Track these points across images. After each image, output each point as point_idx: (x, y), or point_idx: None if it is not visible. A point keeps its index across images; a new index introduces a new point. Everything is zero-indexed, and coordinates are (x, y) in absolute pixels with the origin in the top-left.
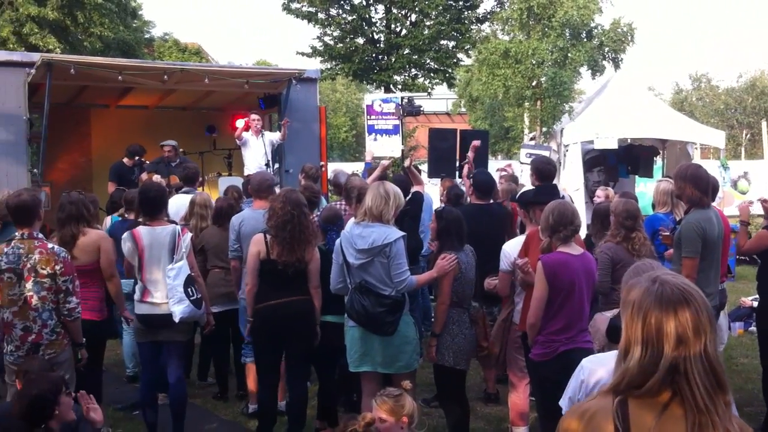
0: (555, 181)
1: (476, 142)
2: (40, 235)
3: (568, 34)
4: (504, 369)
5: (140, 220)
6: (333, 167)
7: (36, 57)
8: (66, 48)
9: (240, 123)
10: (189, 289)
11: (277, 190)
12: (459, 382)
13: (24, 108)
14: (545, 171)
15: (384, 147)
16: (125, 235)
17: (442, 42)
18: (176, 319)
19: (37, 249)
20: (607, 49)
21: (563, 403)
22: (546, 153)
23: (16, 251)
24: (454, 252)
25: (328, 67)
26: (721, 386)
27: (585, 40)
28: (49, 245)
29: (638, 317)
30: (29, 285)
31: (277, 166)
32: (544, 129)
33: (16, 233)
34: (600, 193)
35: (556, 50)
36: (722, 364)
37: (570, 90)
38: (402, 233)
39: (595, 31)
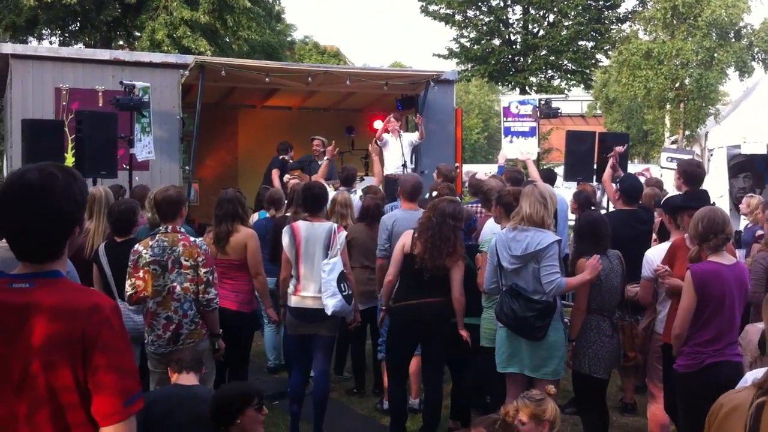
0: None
1: (619, 148)
2: (182, 230)
3: (714, 34)
4: (643, 379)
5: (287, 214)
6: (465, 169)
7: (190, 59)
8: (215, 50)
9: (378, 124)
10: (342, 285)
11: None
12: (597, 390)
13: (178, 108)
14: (695, 175)
15: (520, 149)
16: (285, 228)
17: (581, 42)
18: (328, 312)
19: (180, 242)
20: (756, 49)
21: None
22: (688, 157)
23: (160, 244)
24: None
25: (464, 68)
26: None
27: (733, 40)
28: (191, 238)
29: None
30: (173, 276)
31: (413, 166)
32: (687, 132)
33: (161, 227)
34: (745, 201)
35: (701, 51)
36: None
37: (716, 92)
38: (557, 237)
39: (744, 30)
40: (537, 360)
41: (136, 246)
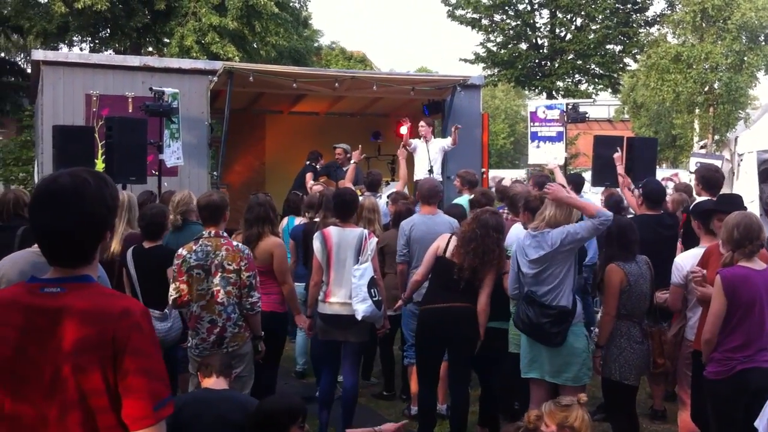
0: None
1: (617, 155)
2: (225, 234)
3: (744, 38)
4: (673, 385)
5: (315, 219)
6: (491, 174)
7: (218, 65)
8: (243, 56)
9: (404, 129)
10: (372, 290)
11: None
12: (627, 396)
13: (206, 113)
14: (713, 180)
15: (547, 154)
16: (316, 234)
17: (608, 46)
18: (359, 317)
19: (224, 246)
20: None
21: (760, 424)
22: (718, 162)
23: (204, 249)
24: (623, 263)
25: (491, 73)
26: None
27: (763, 43)
28: (234, 243)
29: None
30: (216, 280)
31: (440, 172)
32: (716, 137)
33: (204, 231)
34: None
35: (731, 54)
36: None
37: (746, 96)
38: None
39: None
40: (556, 366)
41: (180, 250)
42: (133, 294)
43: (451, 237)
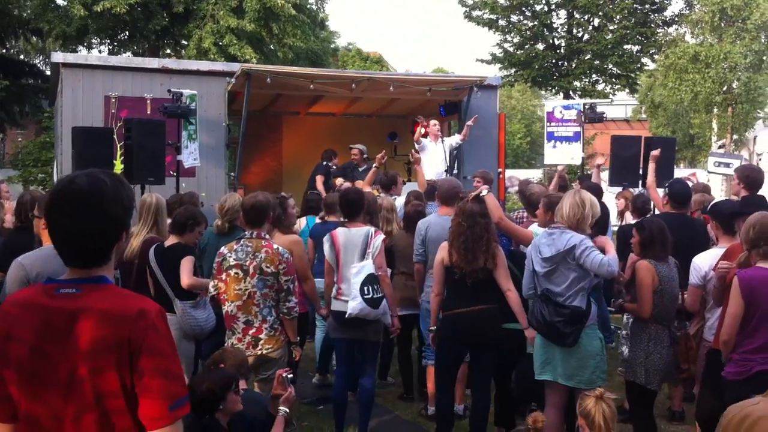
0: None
1: (655, 153)
2: (267, 236)
3: (763, 37)
4: (691, 387)
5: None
6: (508, 174)
7: (236, 67)
8: (261, 58)
9: (420, 129)
10: (366, 288)
11: None
12: (649, 399)
13: (224, 115)
14: (757, 180)
15: (563, 154)
16: (325, 237)
17: (626, 46)
18: (347, 314)
19: (264, 248)
20: None
21: None
22: (736, 162)
23: (244, 249)
24: (656, 261)
25: (508, 74)
26: None
27: None
28: (275, 246)
29: None
30: (254, 281)
31: (455, 172)
32: (735, 136)
33: (246, 232)
34: None
35: (751, 54)
36: None
37: (765, 96)
38: (583, 236)
39: None
40: (570, 368)
41: (222, 248)
42: (159, 291)
43: (450, 231)
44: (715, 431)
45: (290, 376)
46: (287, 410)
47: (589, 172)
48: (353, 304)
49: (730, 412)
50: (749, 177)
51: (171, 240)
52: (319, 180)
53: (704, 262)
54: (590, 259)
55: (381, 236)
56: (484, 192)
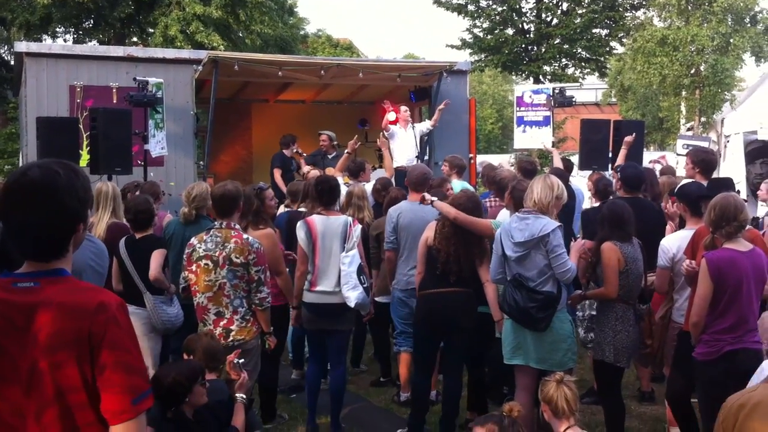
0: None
1: (629, 138)
2: (237, 226)
3: (730, 20)
4: (660, 367)
5: (302, 209)
6: (479, 159)
7: (203, 54)
8: (228, 45)
9: (391, 116)
10: (362, 277)
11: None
12: (617, 378)
13: (192, 103)
14: (712, 163)
15: (533, 139)
16: (299, 223)
17: (595, 30)
18: (351, 304)
19: (233, 239)
20: None
21: None
22: (705, 144)
23: (213, 239)
24: (619, 242)
25: (478, 59)
26: None
27: (749, 25)
28: (244, 236)
29: None
30: (224, 272)
31: (426, 158)
32: (703, 119)
33: (215, 222)
34: (763, 187)
35: (717, 36)
36: None
37: (732, 78)
38: (558, 223)
39: (760, 15)
40: (542, 352)
41: (192, 239)
42: (128, 283)
43: (437, 224)
44: (717, 420)
45: (241, 361)
46: (244, 396)
47: (562, 156)
48: (356, 294)
49: (730, 400)
50: (704, 161)
51: (140, 233)
52: (277, 174)
53: (672, 243)
54: (559, 259)
55: (359, 226)
56: (429, 203)
